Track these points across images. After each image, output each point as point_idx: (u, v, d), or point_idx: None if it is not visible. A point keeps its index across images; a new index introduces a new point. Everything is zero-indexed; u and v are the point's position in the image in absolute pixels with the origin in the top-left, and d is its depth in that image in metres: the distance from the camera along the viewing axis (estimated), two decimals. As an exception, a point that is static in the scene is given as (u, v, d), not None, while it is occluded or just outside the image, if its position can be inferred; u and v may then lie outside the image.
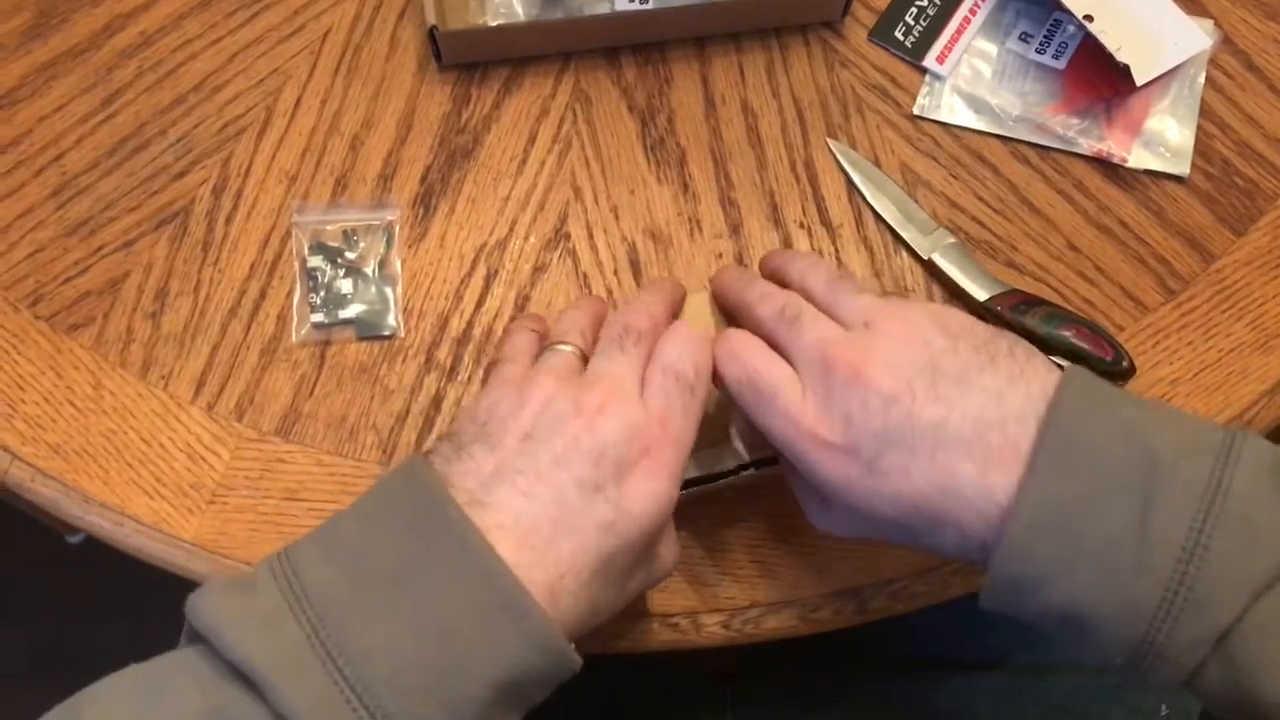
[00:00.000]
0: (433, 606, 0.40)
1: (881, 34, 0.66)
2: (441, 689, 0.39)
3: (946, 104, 0.65)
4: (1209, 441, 0.41)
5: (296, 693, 0.38)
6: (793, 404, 0.45)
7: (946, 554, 0.45)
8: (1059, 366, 0.46)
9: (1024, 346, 0.46)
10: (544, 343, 0.50)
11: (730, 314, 0.54)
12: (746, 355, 0.48)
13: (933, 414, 0.43)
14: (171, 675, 0.40)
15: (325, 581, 0.40)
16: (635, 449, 0.44)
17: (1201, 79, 0.65)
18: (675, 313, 0.54)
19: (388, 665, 0.39)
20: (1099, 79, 0.65)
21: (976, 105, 0.65)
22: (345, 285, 0.61)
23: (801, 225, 0.63)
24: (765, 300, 0.50)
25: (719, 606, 0.57)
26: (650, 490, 0.44)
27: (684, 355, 0.48)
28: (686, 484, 0.52)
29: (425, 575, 0.40)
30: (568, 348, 0.49)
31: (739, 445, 0.53)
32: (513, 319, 0.60)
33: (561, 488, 0.42)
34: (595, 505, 0.42)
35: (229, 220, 0.63)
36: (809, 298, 0.50)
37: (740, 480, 0.54)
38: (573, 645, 0.42)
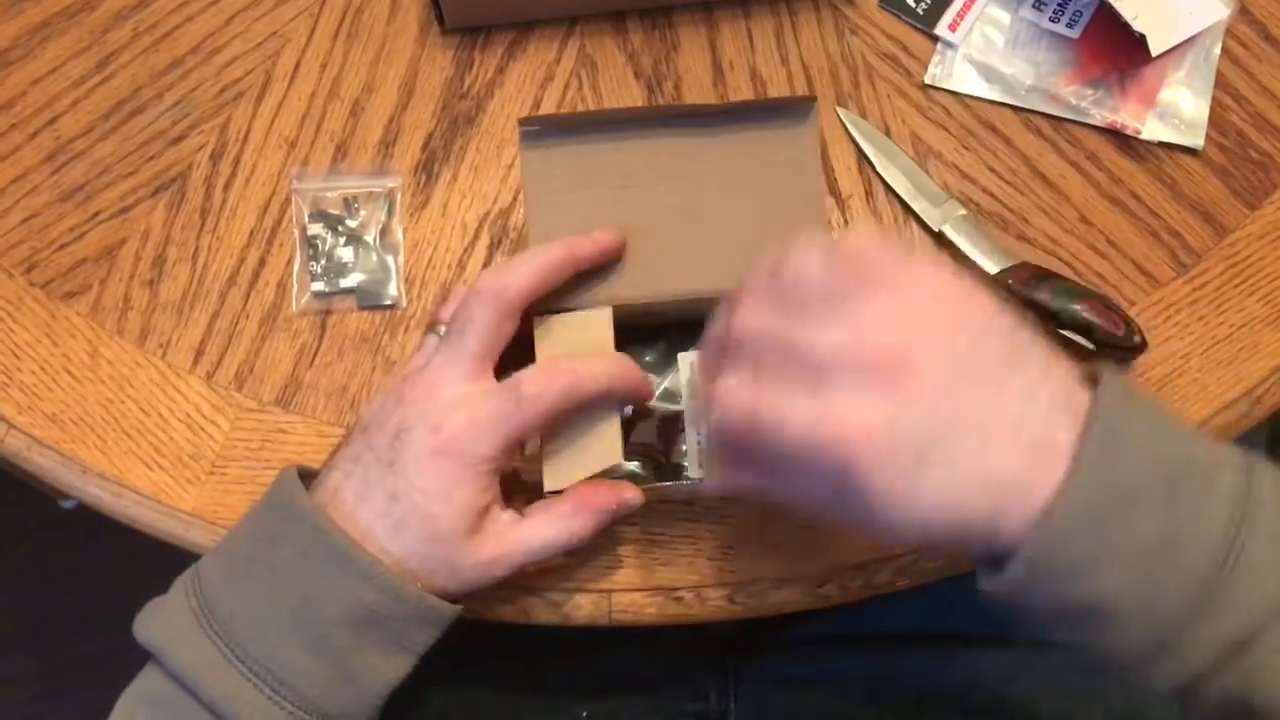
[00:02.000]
0: (280, 569, 0.47)
1: (893, 0, 0.65)
2: (298, 632, 0.47)
3: (958, 73, 0.64)
4: (1232, 453, 0.42)
5: (186, 656, 0.46)
6: None
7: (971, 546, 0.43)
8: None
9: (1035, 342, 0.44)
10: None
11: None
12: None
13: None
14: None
15: (210, 569, 0.49)
16: (426, 432, 0.48)
17: (1217, 49, 0.64)
18: (544, 279, 0.50)
19: (249, 622, 0.47)
20: (1113, 48, 0.64)
21: (989, 74, 0.64)
22: (346, 254, 0.60)
23: (810, 195, 0.62)
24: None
25: (724, 581, 0.56)
26: (436, 467, 0.48)
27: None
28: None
29: (274, 546, 0.48)
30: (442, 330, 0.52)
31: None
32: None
33: (365, 465, 0.49)
34: (386, 479, 0.48)
35: (227, 186, 0.62)
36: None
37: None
38: (420, 587, 0.48)
